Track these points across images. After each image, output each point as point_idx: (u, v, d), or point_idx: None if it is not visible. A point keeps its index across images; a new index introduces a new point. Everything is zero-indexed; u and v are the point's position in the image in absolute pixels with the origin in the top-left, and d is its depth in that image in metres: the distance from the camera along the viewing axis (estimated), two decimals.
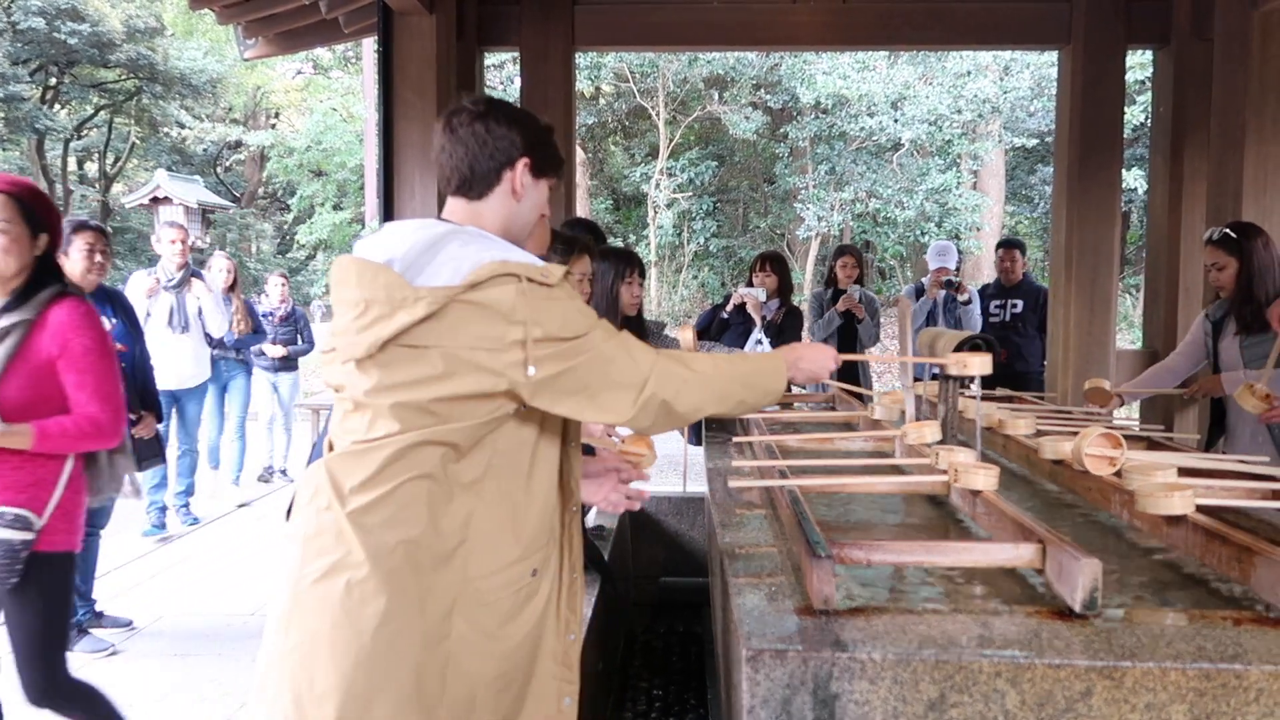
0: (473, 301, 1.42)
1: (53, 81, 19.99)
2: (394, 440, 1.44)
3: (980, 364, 2.08)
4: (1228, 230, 3.30)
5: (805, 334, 5.26)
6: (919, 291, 5.94)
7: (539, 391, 1.45)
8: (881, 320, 5.97)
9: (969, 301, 5.61)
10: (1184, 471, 1.97)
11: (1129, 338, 13.22)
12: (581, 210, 14.85)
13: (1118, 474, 2.02)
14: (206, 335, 5.60)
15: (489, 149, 1.58)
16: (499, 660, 1.48)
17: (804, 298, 14.45)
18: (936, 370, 2.51)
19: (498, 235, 1.57)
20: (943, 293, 5.65)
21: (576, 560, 1.64)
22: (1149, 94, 8.76)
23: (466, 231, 1.53)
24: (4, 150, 20.14)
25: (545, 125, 1.67)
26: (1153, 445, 2.54)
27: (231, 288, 6.14)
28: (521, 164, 1.60)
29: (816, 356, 1.79)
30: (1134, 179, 13.16)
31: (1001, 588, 1.58)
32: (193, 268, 5.57)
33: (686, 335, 2.93)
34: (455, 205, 1.62)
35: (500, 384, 1.43)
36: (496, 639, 1.48)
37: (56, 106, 20.58)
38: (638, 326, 3.59)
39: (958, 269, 5.94)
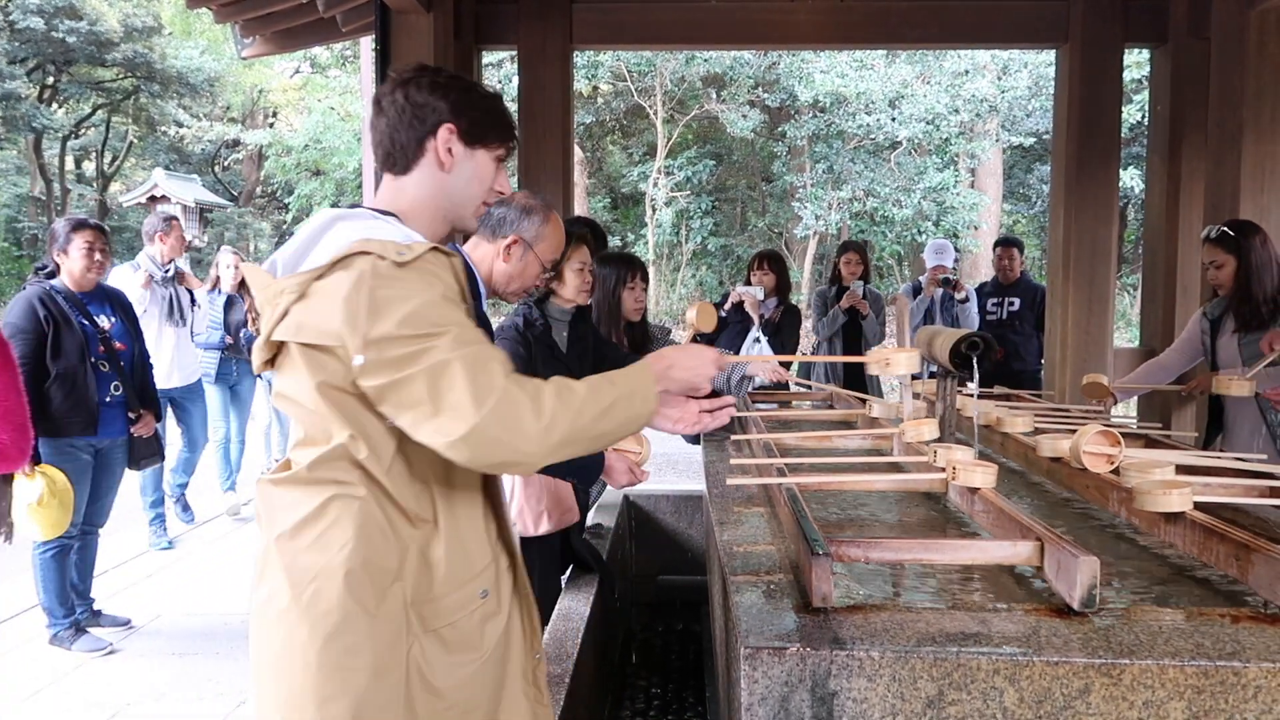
0: (320, 288, 1.31)
1: (50, 80, 19.98)
2: (307, 452, 1.37)
3: (907, 361, 1.94)
4: (1225, 228, 3.31)
5: (808, 331, 5.26)
6: (916, 290, 5.95)
7: (380, 398, 1.30)
8: (884, 318, 5.97)
9: (966, 300, 5.61)
10: (1182, 469, 1.97)
11: (1126, 336, 13.24)
12: (580, 209, 14.85)
13: (1116, 471, 2.02)
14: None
15: (408, 117, 1.46)
16: (462, 685, 1.41)
17: (802, 296, 14.46)
18: (935, 369, 2.51)
19: (426, 212, 1.48)
20: (940, 291, 5.65)
21: (524, 576, 1.55)
22: (1146, 93, 8.76)
23: (356, 213, 1.42)
24: (1, 149, 20.12)
25: (485, 91, 1.53)
26: (1151, 443, 2.54)
27: (242, 285, 6.04)
28: (445, 130, 1.46)
29: (690, 363, 1.51)
30: (1131, 178, 13.19)
31: (1000, 585, 1.58)
32: (176, 264, 5.42)
33: (690, 314, 2.88)
34: (383, 183, 1.51)
35: (351, 381, 1.31)
36: (457, 664, 1.41)
37: (54, 105, 20.57)
38: (641, 331, 3.59)
39: (955, 267, 5.95)
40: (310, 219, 1.45)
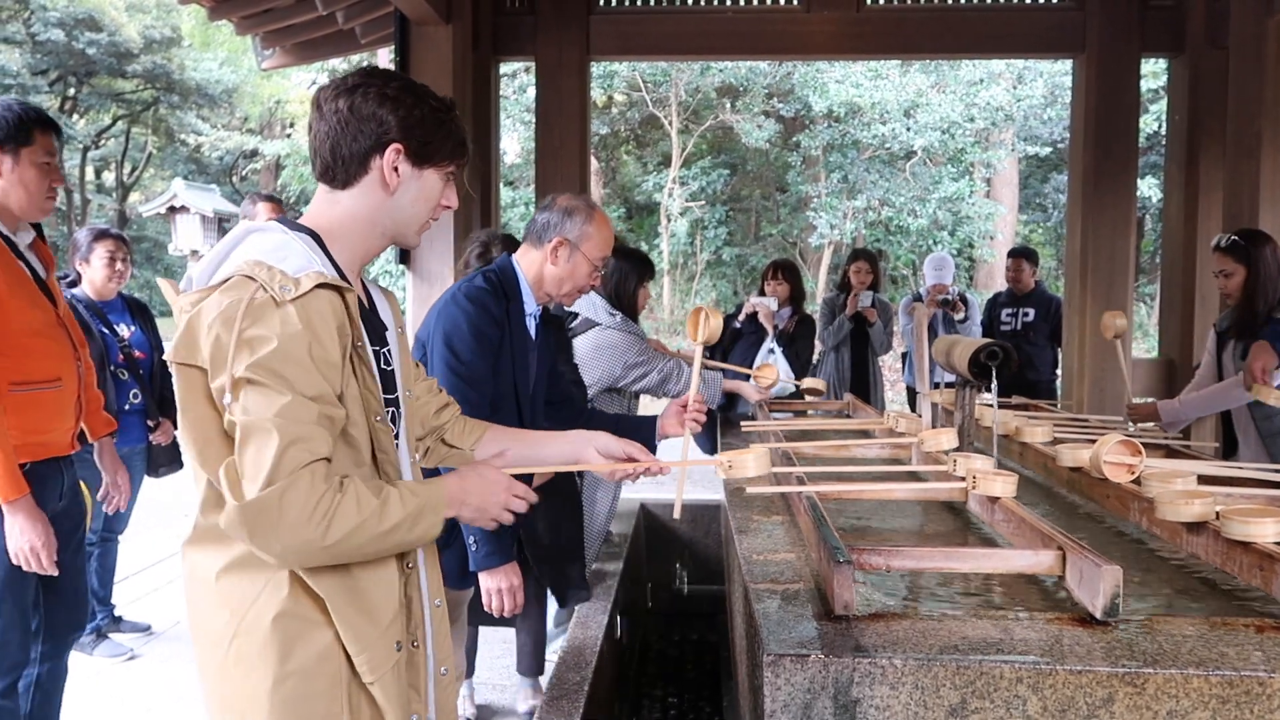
0: (201, 307, 1.25)
1: (71, 91, 20.21)
2: (205, 486, 1.32)
3: (756, 463, 1.75)
4: (1236, 237, 3.28)
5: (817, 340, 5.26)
6: (917, 298, 5.94)
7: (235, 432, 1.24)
8: (895, 328, 5.95)
9: (965, 320, 5.57)
10: (1203, 479, 1.96)
11: (1144, 346, 13.17)
12: None
13: (1137, 481, 2.01)
14: None
15: (352, 130, 1.35)
16: None
17: (816, 306, 14.44)
18: (953, 378, 2.51)
19: (359, 229, 1.40)
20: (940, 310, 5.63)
21: (416, 626, 1.46)
22: (1163, 102, 8.74)
23: (268, 228, 1.34)
24: None
25: (436, 104, 1.40)
26: (1171, 453, 2.54)
27: None
28: (393, 150, 1.36)
29: (485, 493, 1.42)
30: (1148, 187, 13.13)
31: (1021, 595, 1.58)
32: None
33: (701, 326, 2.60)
34: (318, 194, 1.42)
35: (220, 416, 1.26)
36: None
37: (75, 116, 20.80)
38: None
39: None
40: (230, 232, 1.39)
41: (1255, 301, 3.19)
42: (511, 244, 3.78)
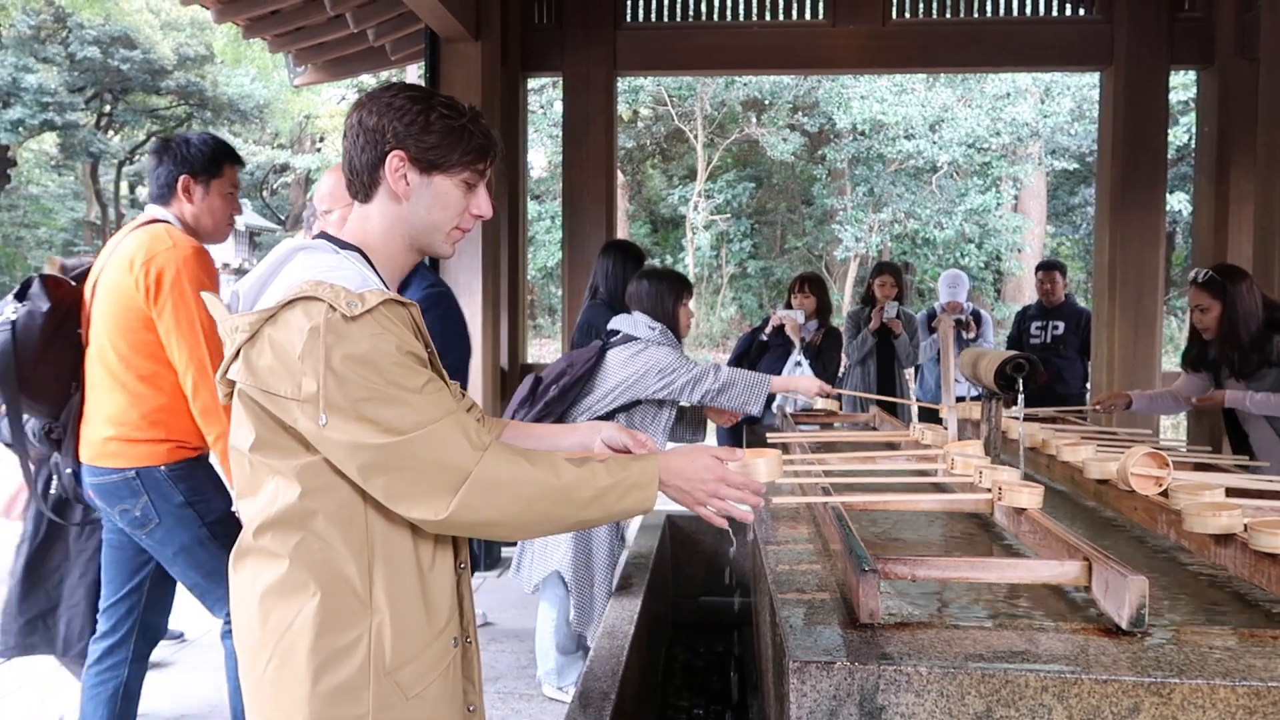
0: (271, 332, 1.25)
1: (107, 108, 20.60)
2: (249, 505, 1.34)
3: (767, 468, 1.58)
4: (1213, 272, 3.32)
5: (843, 353, 5.27)
6: (932, 315, 5.95)
7: (344, 463, 1.26)
8: (921, 340, 5.95)
9: (976, 338, 5.57)
10: (1232, 491, 1.96)
11: (1174, 360, 13.00)
12: (622, 233, 14.97)
13: (1164, 494, 2.01)
14: None
15: (360, 143, 1.37)
16: None
17: (842, 319, 14.41)
18: (979, 391, 2.52)
19: (393, 243, 1.41)
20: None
21: (469, 623, 1.48)
22: (1193, 114, 8.67)
23: (317, 245, 1.36)
24: (60, 174, 20.74)
25: (446, 111, 1.37)
26: (1200, 467, 2.52)
27: None
28: (395, 158, 1.35)
29: (692, 475, 1.43)
30: (1178, 201, 13.02)
31: (1046, 605, 1.58)
32: None
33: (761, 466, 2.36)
34: (353, 210, 1.45)
35: (300, 444, 1.28)
36: None
37: (110, 132, 21.20)
38: None
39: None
40: (274, 249, 1.40)
41: (1239, 336, 3.25)
42: (636, 256, 3.79)
